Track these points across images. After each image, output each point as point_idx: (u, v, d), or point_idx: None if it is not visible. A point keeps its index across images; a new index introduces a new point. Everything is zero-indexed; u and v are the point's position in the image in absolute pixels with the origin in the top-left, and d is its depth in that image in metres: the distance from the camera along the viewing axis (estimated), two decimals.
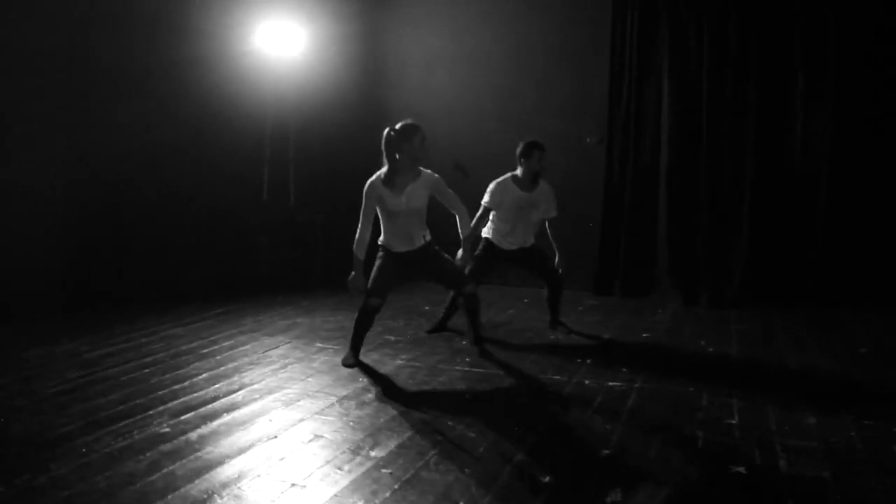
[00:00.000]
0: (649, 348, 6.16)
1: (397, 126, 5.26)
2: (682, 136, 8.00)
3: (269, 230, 8.53)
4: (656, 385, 5.05)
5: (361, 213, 5.34)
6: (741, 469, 3.62)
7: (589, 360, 5.68)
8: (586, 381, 5.14)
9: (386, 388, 4.96)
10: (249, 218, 8.45)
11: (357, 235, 5.30)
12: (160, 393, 4.80)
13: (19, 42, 6.48)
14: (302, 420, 4.34)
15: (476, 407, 4.60)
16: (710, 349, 6.09)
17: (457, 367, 5.47)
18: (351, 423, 4.27)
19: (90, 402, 4.58)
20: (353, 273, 5.29)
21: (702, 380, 5.15)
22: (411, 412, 4.46)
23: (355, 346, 5.51)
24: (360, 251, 5.27)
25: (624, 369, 5.41)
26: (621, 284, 8.33)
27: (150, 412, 4.43)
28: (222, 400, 4.67)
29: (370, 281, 5.40)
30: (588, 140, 8.47)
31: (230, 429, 4.18)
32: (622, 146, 8.27)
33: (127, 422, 4.26)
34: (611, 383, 5.09)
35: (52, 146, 6.79)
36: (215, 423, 4.26)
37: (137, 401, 4.62)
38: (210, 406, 4.56)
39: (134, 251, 7.52)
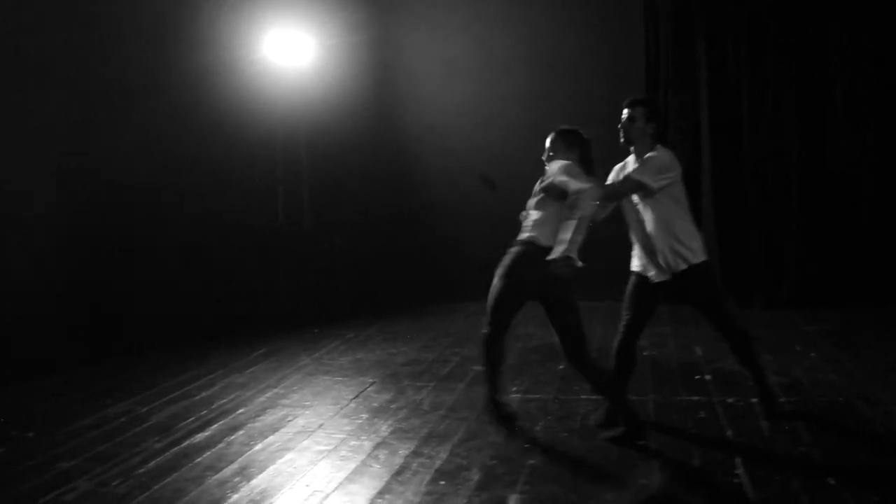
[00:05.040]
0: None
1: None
2: (723, 140, 7.72)
3: (288, 255, 7.80)
4: None
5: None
6: None
7: (708, 376, 5.24)
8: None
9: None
10: (266, 243, 7.71)
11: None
12: (292, 464, 4.11)
13: (27, 53, 5.94)
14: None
15: None
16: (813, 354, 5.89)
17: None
18: None
19: (212, 490, 3.82)
20: None
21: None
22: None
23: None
24: None
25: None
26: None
27: None
28: (418, 469, 3.99)
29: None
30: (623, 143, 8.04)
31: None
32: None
33: None
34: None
35: (56, 161, 6.22)
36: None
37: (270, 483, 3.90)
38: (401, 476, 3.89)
39: (146, 281, 6.86)
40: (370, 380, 5.51)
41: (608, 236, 8.14)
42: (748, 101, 7.73)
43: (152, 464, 4.08)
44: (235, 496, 3.63)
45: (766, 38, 7.69)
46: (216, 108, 7.17)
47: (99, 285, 6.45)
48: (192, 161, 7.09)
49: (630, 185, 4.20)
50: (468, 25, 8.66)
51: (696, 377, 5.39)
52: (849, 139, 7.55)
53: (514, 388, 5.22)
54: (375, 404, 4.96)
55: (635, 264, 4.39)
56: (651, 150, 4.27)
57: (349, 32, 8.10)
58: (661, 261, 4.22)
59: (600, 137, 8.18)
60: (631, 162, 4.38)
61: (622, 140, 4.38)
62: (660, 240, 4.24)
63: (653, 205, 4.25)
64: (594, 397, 4.90)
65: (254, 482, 3.79)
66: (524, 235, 4.18)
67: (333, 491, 3.66)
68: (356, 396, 5.13)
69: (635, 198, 4.27)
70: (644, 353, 6.04)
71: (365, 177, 7.94)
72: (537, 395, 5.07)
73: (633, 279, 4.39)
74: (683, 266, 4.22)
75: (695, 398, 4.91)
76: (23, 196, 5.98)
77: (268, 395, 5.25)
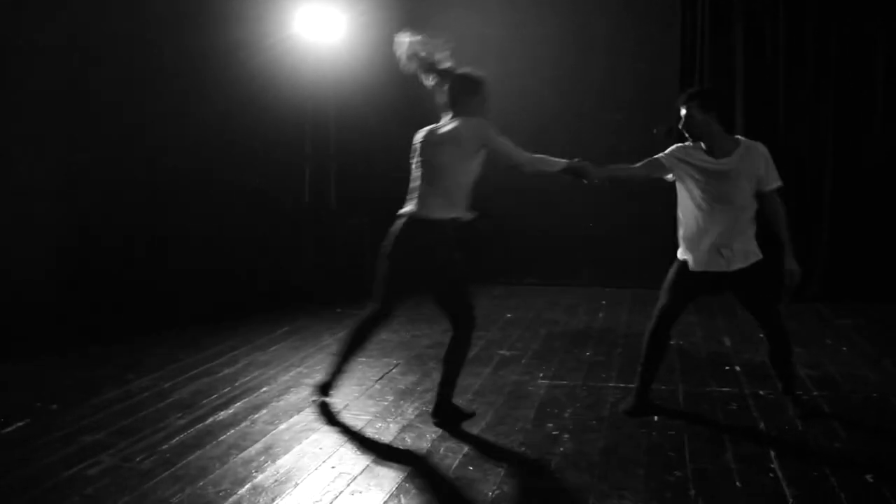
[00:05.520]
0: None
1: None
2: (757, 129, 7.53)
3: (313, 235, 7.72)
4: None
5: None
6: None
7: (738, 368, 5.16)
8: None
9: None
10: (292, 220, 7.63)
11: None
12: (317, 444, 4.05)
13: (51, 30, 5.84)
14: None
15: None
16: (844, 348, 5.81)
17: None
18: None
19: (237, 468, 3.77)
20: None
21: None
22: None
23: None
24: None
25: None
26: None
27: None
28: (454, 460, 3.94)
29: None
30: (655, 131, 7.91)
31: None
32: None
33: None
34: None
35: (85, 136, 6.14)
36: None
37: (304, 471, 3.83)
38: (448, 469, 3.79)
39: (169, 257, 6.79)
40: (394, 361, 5.44)
41: (632, 225, 8.13)
42: (784, 90, 7.56)
43: (176, 440, 4.03)
44: (261, 476, 3.58)
45: (805, 24, 7.49)
46: (246, 85, 7.07)
47: (123, 261, 6.40)
48: (220, 138, 7.00)
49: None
50: (501, 3, 8.53)
51: (726, 368, 5.30)
52: (887, 132, 7.35)
53: (542, 375, 5.14)
54: (401, 386, 4.89)
55: (683, 253, 4.25)
56: (725, 140, 4.15)
57: (381, 8, 7.98)
58: (726, 253, 4.08)
59: (630, 122, 8.15)
60: (704, 158, 4.19)
61: (690, 140, 4.25)
62: (733, 233, 4.11)
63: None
64: (622, 384, 4.84)
65: (279, 462, 3.74)
66: None
67: (360, 473, 3.60)
68: (381, 378, 5.07)
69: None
70: (671, 343, 5.92)
71: (393, 155, 7.82)
72: (564, 382, 4.99)
73: (677, 266, 4.27)
74: (752, 260, 4.12)
75: (725, 389, 4.82)
76: (47, 170, 5.93)
77: (291, 373, 5.19)
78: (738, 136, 4.21)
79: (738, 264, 4.11)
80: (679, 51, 7.84)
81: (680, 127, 4.24)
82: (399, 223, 4.17)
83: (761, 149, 4.13)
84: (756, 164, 4.09)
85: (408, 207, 4.17)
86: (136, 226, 6.55)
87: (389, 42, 8.29)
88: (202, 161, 6.97)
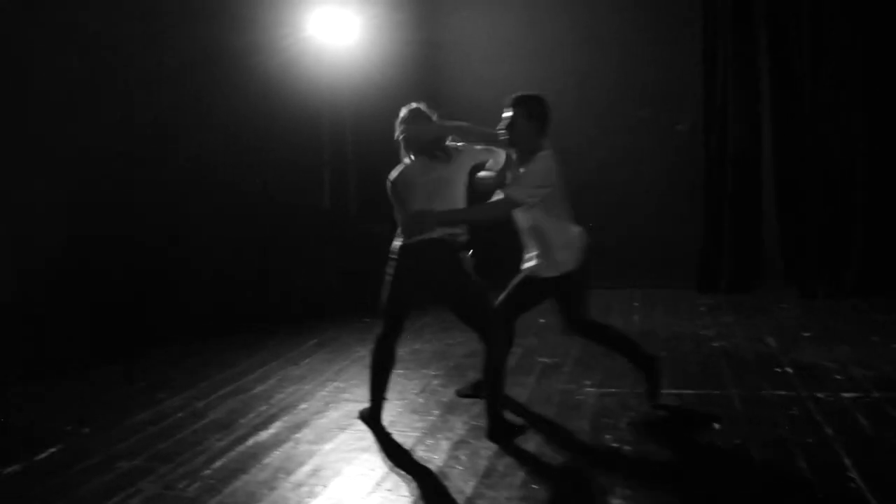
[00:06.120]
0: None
1: None
2: (785, 120, 7.38)
3: (333, 242, 7.53)
4: None
5: None
6: None
7: (789, 369, 4.96)
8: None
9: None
10: (311, 227, 7.45)
11: None
12: (368, 465, 3.87)
13: (70, 27, 5.73)
14: None
15: None
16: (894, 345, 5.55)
17: None
18: None
19: (287, 494, 3.62)
20: None
21: None
22: None
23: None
24: None
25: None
26: (727, 280, 7.62)
27: None
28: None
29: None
30: (678, 127, 7.75)
31: None
32: (720, 133, 7.57)
33: None
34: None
35: (100, 141, 5.97)
36: None
37: None
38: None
39: (185, 270, 6.65)
40: (433, 373, 5.24)
41: (644, 224, 7.95)
42: (812, 84, 7.32)
43: (218, 464, 3.85)
44: (314, 502, 3.38)
45: (831, 17, 7.28)
46: (262, 89, 6.90)
47: (140, 274, 6.21)
48: (237, 144, 6.87)
49: (505, 204, 4.09)
50: (517, 2, 8.34)
51: (777, 370, 5.10)
52: None
53: (588, 383, 4.94)
54: (444, 399, 4.70)
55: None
56: (534, 152, 4.13)
57: (395, 10, 7.80)
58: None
59: (652, 120, 7.96)
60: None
61: (506, 142, 4.21)
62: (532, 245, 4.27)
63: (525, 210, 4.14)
64: (674, 391, 4.65)
65: (331, 486, 3.55)
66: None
67: (420, 498, 3.40)
68: (422, 391, 4.88)
69: None
70: (714, 345, 5.77)
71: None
72: (613, 390, 4.80)
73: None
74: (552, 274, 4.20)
75: (781, 393, 4.63)
76: (61, 177, 5.76)
77: (328, 388, 5.00)
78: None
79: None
80: (700, 46, 7.59)
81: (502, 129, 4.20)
82: (402, 244, 4.07)
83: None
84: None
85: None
86: (150, 235, 6.39)
87: (405, 43, 8.20)
88: (218, 167, 6.83)
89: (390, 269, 4.13)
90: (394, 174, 4.20)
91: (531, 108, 4.20)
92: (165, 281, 6.39)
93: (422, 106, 4.33)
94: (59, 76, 5.70)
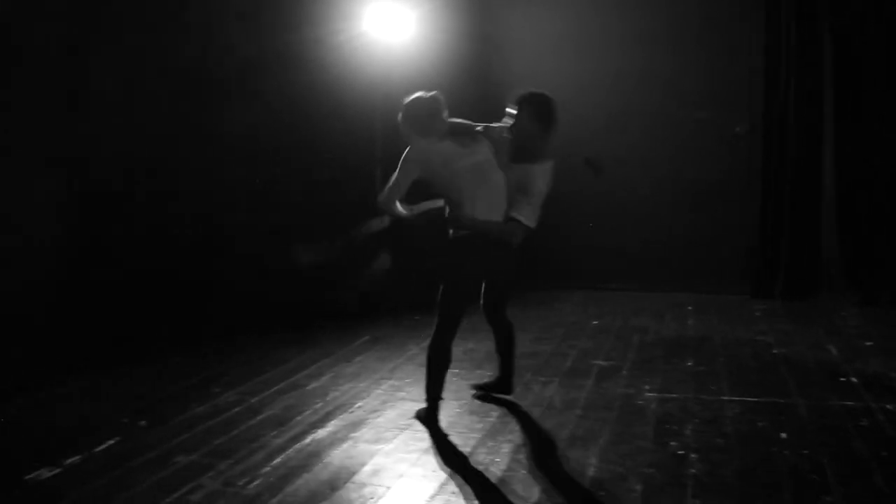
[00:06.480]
0: None
1: None
2: (848, 123, 7.18)
3: (384, 239, 7.46)
4: None
5: None
6: None
7: (854, 379, 4.82)
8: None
9: None
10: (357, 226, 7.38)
11: None
12: (430, 467, 3.79)
13: (123, 28, 5.73)
14: None
15: None
16: None
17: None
18: None
19: (350, 495, 3.54)
20: None
21: None
22: None
23: None
24: None
25: None
26: (784, 286, 7.45)
27: None
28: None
29: None
30: (737, 129, 7.58)
31: None
32: (780, 135, 7.39)
33: None
34: None
35: (152, 145, 5.94)
36: None
37: None
38: None
39: (232, 266, 6.54)
40: (488, 373, 5.16)
41: (698, 228, 7.81)
42: (876, 86, 7.14)
43: (277, 461, 3.81)
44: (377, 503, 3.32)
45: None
46: (314, 87, 6.88)
47: (187, 269, 6.19)
48: (290, 140, 6.86)
49: None
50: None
51: (841, 379, 4.96)
52: None
53: (647, 387, 4.84)
54: (502, 400, 4.62)
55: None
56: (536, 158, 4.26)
57: (450, 6, 7.72)
58: None
59: (710, 122, 7.80)
60: None
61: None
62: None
63: None
64: (737, 398, 4.54)
65: (395, 488, 3.49)
66: None
67: (486, 502, 3.33)
68: (479, 391, 4.79)
69: None
70: (774, 352, 5.64)
71: None
72: (674, 395, 4.70)
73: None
74: None
75: (849, 403, 4.51)
76: (121, 170, 5.78)
77: (383, 386, 4.95)
78: None
79: None
80: (761, 46, 7.42)
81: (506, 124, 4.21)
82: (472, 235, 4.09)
83: None
84: None
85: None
86: (200, 228, 6.37)
87: (460, 39, 8.12)
88: (271, 164, 6.83)
89: (458, 260, 4.08)
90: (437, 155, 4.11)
91: (539, 110, 4.10)
92: (217, 277, 6.36)
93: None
94: (121, 78, 5.72)
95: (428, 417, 4.24)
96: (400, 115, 4.18)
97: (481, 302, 4.40)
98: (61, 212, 5.45)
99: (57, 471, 3.71)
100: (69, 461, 3.83)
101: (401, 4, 7.30)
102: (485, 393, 4.65)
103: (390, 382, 5.03)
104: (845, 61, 7.21)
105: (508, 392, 4.60)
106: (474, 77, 8.14)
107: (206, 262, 6.34)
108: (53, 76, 5.33)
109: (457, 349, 5.12)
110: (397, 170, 4.14)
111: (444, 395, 4.35)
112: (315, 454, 3.88)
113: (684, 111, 7.76)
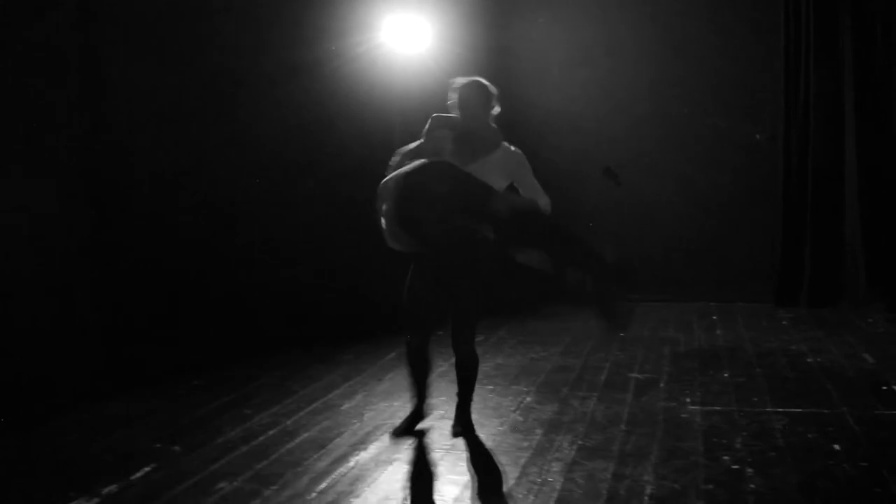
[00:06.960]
0: None
1: None
2: (870, 131, 7.11)
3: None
4: None
5: None
6: None
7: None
8: None
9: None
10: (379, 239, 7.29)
11: None
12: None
13: (143, 39, 5.69)
14: None
15: None
16: None
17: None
18: None
19: None
20: None
21: None
22: None
23: None
24: None
25: None
26: (808, 294, 7.37)
27: None
28: None
29: None
30: (758, 136, 7.52)
31: None
32: (801, 143, 7.33)
33: None
34: None
35: (168, 161, 5.90)
36: None
37: None
38: None
39: (255, 278, 6.52)
40: (524, 388, 5.07)
41: (720, 236, 7.74)
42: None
43: (324, 485, 3.70)
44: None
45: None
46: (333, 98, 6.83)
47: (206, 287, 6.09)
48: (308, 152, 6.79)
49: None
50: (593, 8, 8.16)
51: (884, 388, 4.88)
52: None
53: (689, 400, 4.74)
54: (545, 417, 4.52)
55: None
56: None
57: (467, 17, 7.66)
58: None
59: (731, 127, 7.75)
60: None
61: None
62: None
63: None
64: (781, 409, 4.46)
65: None
66: None
67: None
68: (518, 408, 4.71)
69: None
70: (808, 360, 5.56)
71: None
72: (717, 408, 4.60)
73: None
74: None
75: None
76: (139, 181, 5.72)
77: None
78: None
79: None
80: (782, 54, 7.37)
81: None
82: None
83: None
84: None
85: None
86: (219, 243, 6.29)
87: (478, 50, 8.05)
88: (290, 175, 6.75)
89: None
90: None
91: (486, 94, 4.11)
92: (238, 295, 6.26)
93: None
94: (145, 86, 5.69)
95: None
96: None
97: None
98: (86, 229, 5.36)
99: (96, 500, 3.59)
100: (106, 490, 3.71)
101: (419, 16, 7.23)
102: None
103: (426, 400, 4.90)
104: (866, 69, 7.16)
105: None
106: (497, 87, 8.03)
107: (228, 277, 6.25)
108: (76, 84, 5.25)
109: (486, 365, 5.06)
110: (531, 173, 4.15)
111: (483, 410, 4.36)
112: (360, 478, 3.78)
113: (707, 118, 7.71)
